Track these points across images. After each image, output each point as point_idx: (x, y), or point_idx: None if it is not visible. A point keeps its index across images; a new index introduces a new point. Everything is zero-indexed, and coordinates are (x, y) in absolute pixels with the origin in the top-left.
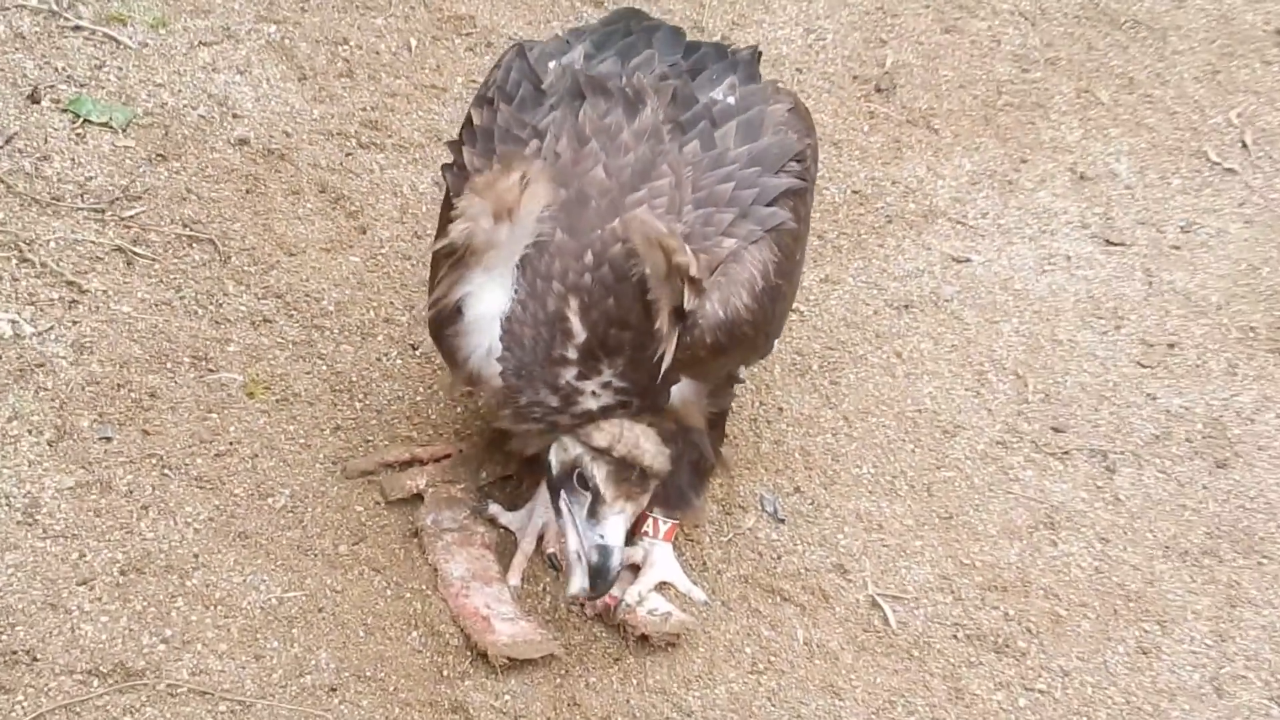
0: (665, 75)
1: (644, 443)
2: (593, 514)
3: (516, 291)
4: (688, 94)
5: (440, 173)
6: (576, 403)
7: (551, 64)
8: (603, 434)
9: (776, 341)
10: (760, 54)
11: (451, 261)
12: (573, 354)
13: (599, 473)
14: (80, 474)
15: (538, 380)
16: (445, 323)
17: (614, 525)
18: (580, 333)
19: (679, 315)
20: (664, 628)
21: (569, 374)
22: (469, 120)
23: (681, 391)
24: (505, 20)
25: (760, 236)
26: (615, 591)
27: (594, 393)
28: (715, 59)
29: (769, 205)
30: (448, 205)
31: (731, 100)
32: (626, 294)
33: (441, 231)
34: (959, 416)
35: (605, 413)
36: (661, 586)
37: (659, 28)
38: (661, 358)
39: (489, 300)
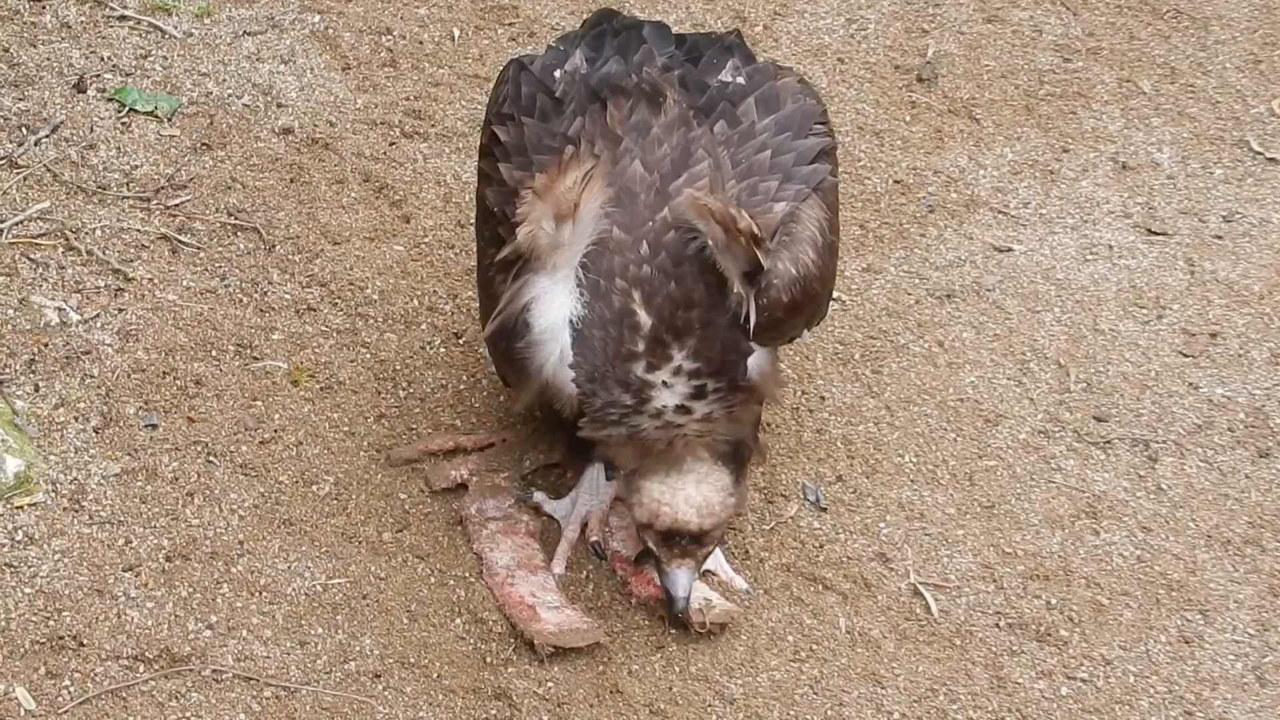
0: (668, 66)
1: (686, 508)
2: (658, 569)
3: (581, 294)
4: (697, 79)
5: (476, 194)
6: (649, 398)
7: (557, 73)
8: (642, 509)
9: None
10: (742, 37)
11: (514, 270)
12: (640, 346)
13: (649, 540)
14: (126, 460)
15: (610, 380)
16: (513, 336)
17: (675, 578)
18: (646, 322)
19: (749, 279)
20: (710, 616)
21: (639, 367)
22: (494, 138)
23: (758, 364)
24: (548, 10)
25: (808, 195)
26: (659, 581)
27: (665, 383)
28: (707, 45)
29: (809, 164)
30: (487, 220)
31: (741, 80)
32: (687, 275)
33: (484, 243)
34: (1001, 406)
35: (681, 411)
36: (705, 575)
37: (642, 25)
38: (746, 322)
39: (557, 306)
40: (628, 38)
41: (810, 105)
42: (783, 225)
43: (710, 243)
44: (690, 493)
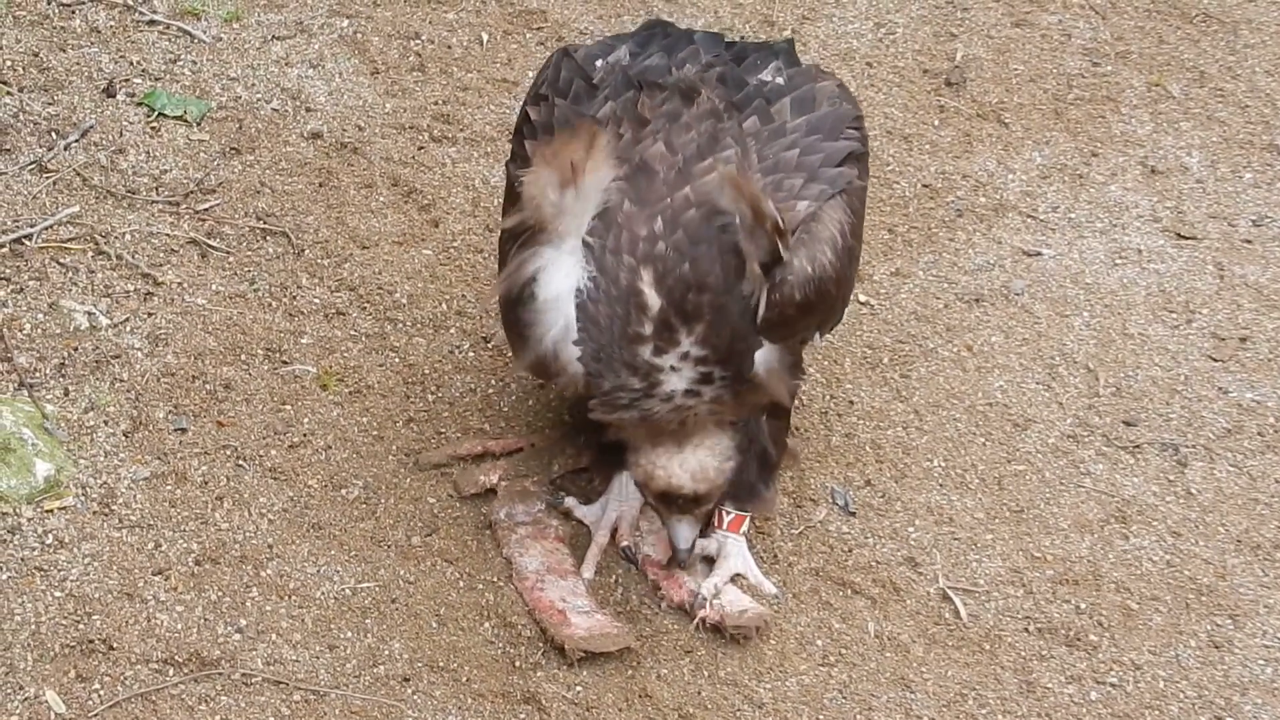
0: (711, 64)
1: (680, 472)
2: (661, 519)
3: (588, 268)
4: (737, 77)
5: (505, 168)
6: (659, 382)
7: (599, 62)
8: (638, 470)
9: (846, 311)
10: (794, 44)
11: (521, 240)
12: (648, 328)
13: (647, 497)
14: (156, 464)
15: (617, 362)
16: (518, 304)
17: (676, 530)
18: (655, 302)
19: (765, 270)
20: (740, 620)
21: (645, 350)
22: (526, 117)
23: (766, 359)
24: (576, 15)
25: (832, 195)
26: (691, 585)
27: (673, 367)
28: (755, 50)
29: (836, 166)
30: (511, 198)
31: (780, 80)
32: (703, 257)
33: (503, 215)
34: (1030, 410)
35: (690, 395)
36: (734, 578)
37: (694, 32)
38: (756, 312)
39: (562, 277)
40: (677, 38)
41: (845, 109)
42: (804, 223)
43: (737, 221)
44: (686, 457)
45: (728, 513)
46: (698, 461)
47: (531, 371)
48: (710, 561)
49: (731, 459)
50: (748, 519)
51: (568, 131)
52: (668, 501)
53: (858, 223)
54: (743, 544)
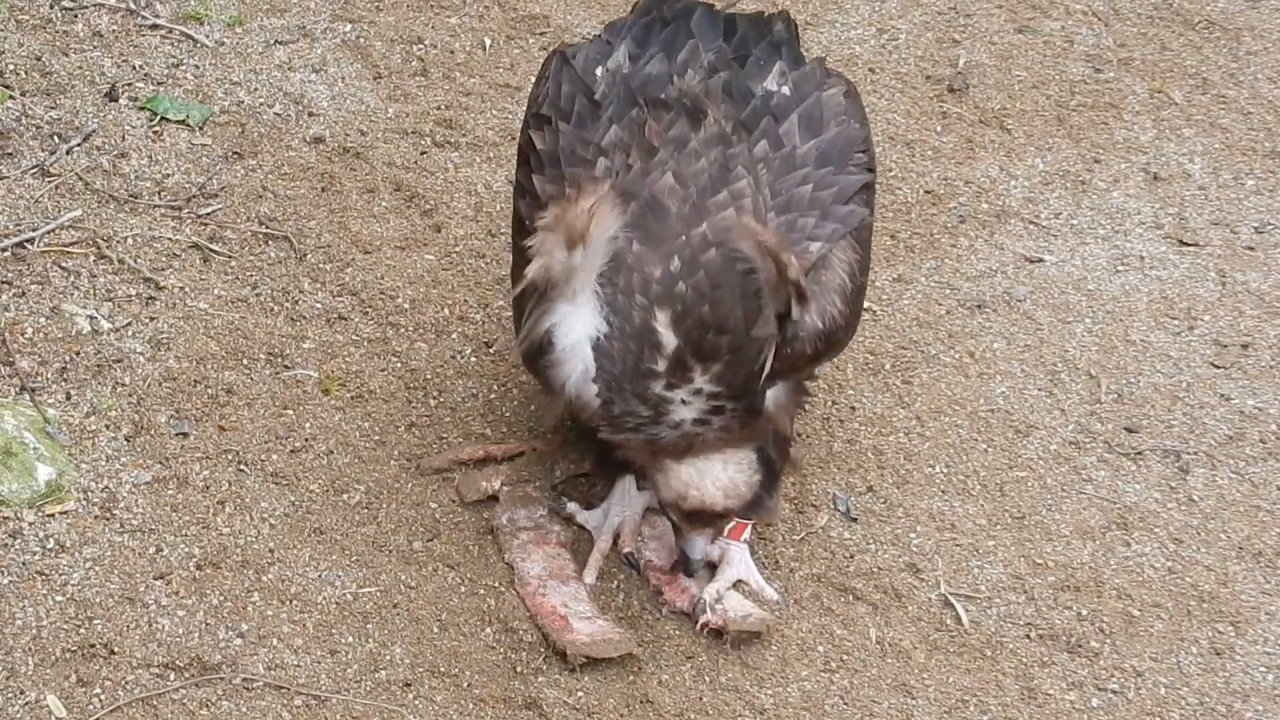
0: (714, 66)
1: (714, 490)
2: (675, 531)
3: (602, 310)
4: (742, 87)
5: (513, 201)
6: (667, 412)
7: (599, 70)
8: (669, 490)
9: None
10: (795, 22)
11: (535, 298)
12: (661, 365)
13: (671, 514)
14: (157, 469)
15: (628, 392)
16: (538, 355)
17: (692, 542)
18: (671, 342)
19: (779, 320)
20: (744, 625)
21: (658, 385)
22: (530, 143)
23: (775, 395)
24: (579, 19)
25: (843, 235)
26: (694, 590)
27: (684, 400)
28: (755, 38)
29: (846, 203)
30: (520, 231)
31: (786, 90)
32: (724, 300)
33: (518, 266)
34: (1032, 416)
35: (699, 424)
36: (736, 584)
37: (693, 9)
38: (763, 365)
39: (578, 327)
40: (675, 30)
41: (853, 131)
42: (814, 270)
43: (762, 278)
44: (718, 474)
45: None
46: (729, 478)
47: (566, 416)
48: (712, 568)
49: (758, 472)
50: (750, 526)
51: (571, 191)
52: (696, 518)
53: (865, 256)
54: (745, 550)
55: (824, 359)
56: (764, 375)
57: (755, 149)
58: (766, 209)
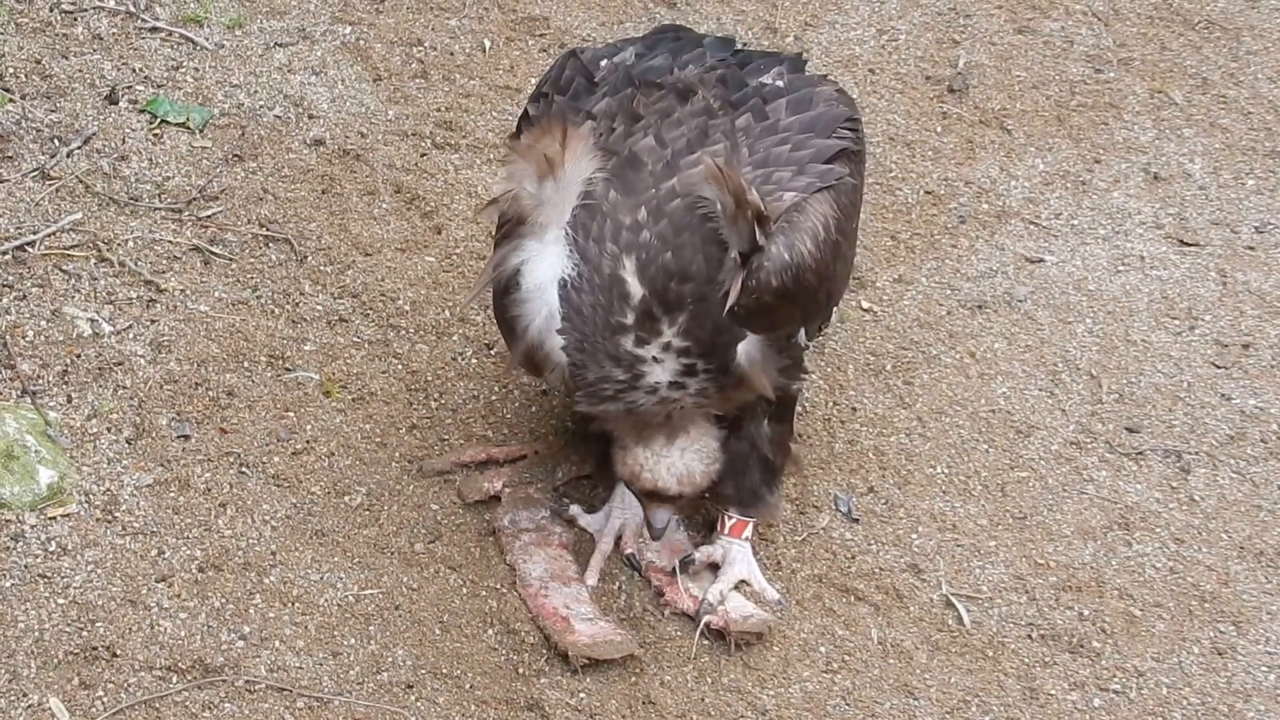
0: (714, 67)
1: (667, 476)
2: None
3: (572, 257)
4: (737, 78)
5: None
6: (641, 374)
7: (603, 62)
8: (624, 469)
9: (835, 312)
10: (805, 60)
11: (504, 230)
12: (630, 318)
13: (632, 490)
14: (159, 471)
15: (600, 353)
16: (503, 294)
17: (654, 513)
18: (637, 291)
19: (744, 260)
20: (744, 627)
21: (628, 340)
22: (525, 114)
23: (748, 351)
24: (579, 21)
25: (819, 188)
26: (696, 591)
27: (655, 358)
28: (762, 57)
29: (825, 163)
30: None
31: (781, 84)
32: (686, 245)
33: (487, 209)
34: (1033, 417)
35: (675, 387)
36: (739, 585)
37: (706, 36)
38: (726, 302)
39: (545, 266)
40: (685, 42)
41: (840, 110)
42: (787, 213)
43: (719, 208)
44: (674, 460)
45: (730, 518)
46: (685, 465)
47: (524, 367)
48: (715, 568)
49: (717, 462)
50: (751, 524)
51: (543, 124)
52: (651, 498)
53: (846, 220)
54: (747, 549)
55: (794, 305)
56: (728, 304)
57: (739, 120)
58: (741, 166)
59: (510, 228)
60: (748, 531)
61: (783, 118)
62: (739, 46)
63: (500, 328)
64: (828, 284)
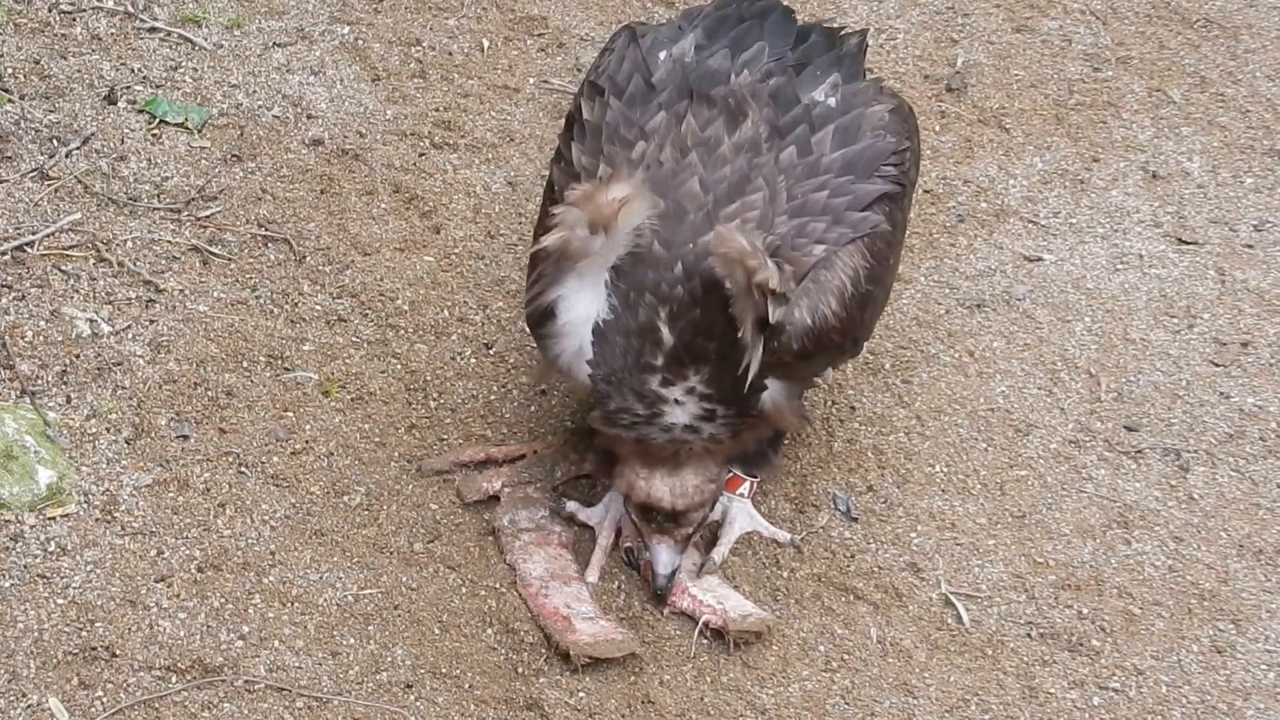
0: (770, 72)
1: (660, 487)
2: (644, 543)
3: (610, 298)
4: (790, 94)
5: (549, 166)
6: (661, 413)
7: (662, 54)
8: (621, 480)
9: (865, 344)
10: (867, 45)
11: (547, 263)
12: (659, 360)
13: (628, 509)
14: (158, 471)
15: (626, 387)
16: (539, 322)
17: (656, 554)
18: (669, 340)
19: (762, 326)
20: (745, 625)
21: (654, 380)
22: (578, 109)
23: (772, 396)
24: (577, 21)
25: (851, 240)
26: (696, 592)
27: (678, 400)
28: (823, 49)
29: (862, 210)
30: (549, 198)
31: (833, 102)
32: (713, 305)
33: (542, 229)
34: (1032, 415)
35: (689, 431)
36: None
37: (772, 10)
38: (747, 367)
39: (582, 306)
40: (748, 28)
41: (885, 144)
42: (814, 270)
43: (728, 285)
44: (669, 476)
45: (728, 471)
46: (680, 480)
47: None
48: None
49: (715, 480)
50: (748, 481)
51: (605, 177)
52: (646, 515)
53: (878, 266)
54: (747, 504)
55: (816, 360)
56: (749, 380)
57: (782, 156)
58: (776, 216)
59: (553, 260)
60: (744, 488)
61: (826, 153)
62: (799, 25)
63: (536, 344)
64: (854, 334)
